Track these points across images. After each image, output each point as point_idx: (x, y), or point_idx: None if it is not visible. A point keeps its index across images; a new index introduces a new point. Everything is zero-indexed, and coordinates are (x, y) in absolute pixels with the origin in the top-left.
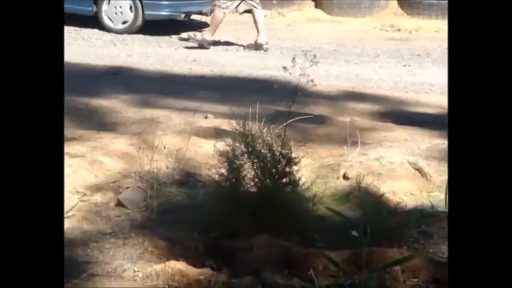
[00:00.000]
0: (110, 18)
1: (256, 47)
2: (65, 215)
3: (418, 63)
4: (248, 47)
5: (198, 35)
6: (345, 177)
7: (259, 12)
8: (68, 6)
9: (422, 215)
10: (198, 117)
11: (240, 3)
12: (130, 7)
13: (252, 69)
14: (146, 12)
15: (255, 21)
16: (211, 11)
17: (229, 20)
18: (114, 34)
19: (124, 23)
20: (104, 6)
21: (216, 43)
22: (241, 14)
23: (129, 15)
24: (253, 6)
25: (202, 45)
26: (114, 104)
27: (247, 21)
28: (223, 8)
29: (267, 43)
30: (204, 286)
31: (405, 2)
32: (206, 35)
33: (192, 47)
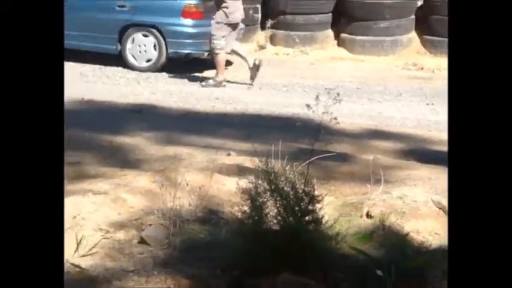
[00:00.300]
0: (134, 57)
1: (255, 70)
2: (88, 252)
3: (441, 102)
4: (251, 78)
5: (211, 81)
6: (368, 215)
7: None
8: (92, 45)
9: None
10: (221, 154)
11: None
12: (154, 45)
13: (274, 106)
14: (170, 50)
15: (241, 55)
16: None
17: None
18: (138, 72)
19: (148, 61)
20: (128, 45)
21: (238, 81)
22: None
23: (153, 54)
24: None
25: (217, 86)
26: (138, 142)
27: (269, 59)
28: (219, 49)
29: (258, 60)
30: None
31: (428, 40)
32: (217, 77)
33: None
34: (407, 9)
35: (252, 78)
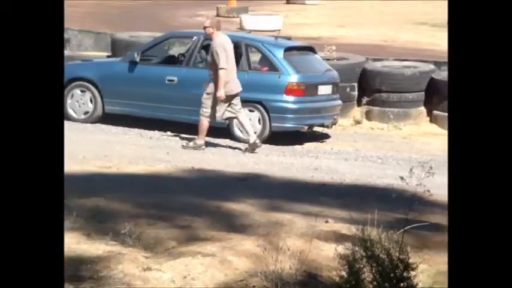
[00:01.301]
0: (240, 130)
1: (252, 148)
2: None
3: None
4: (246, 150)
5: (191, 143)
6: None
7: (243, 116)
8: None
9: None
10: (320, 221)
11: (224, 111)
12: (259, 120)
13: (370, 177)
14: (273, 124)
15: (242, 124)
16: (333, 123)
17: (348, 132)
18: (243, 144)
19: (254, 132)
20: (235, 120)
21: (335, 153)
22: (225, 120)
23: (258, 127)
24: (237, 111)
25: (196, 149)
26: (243, 208)
27: (365, 133)
28: (206, 117)
29: (259, 141)
30: None
31: None
32: (197, 141)
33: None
34: None
35: (246, 151)
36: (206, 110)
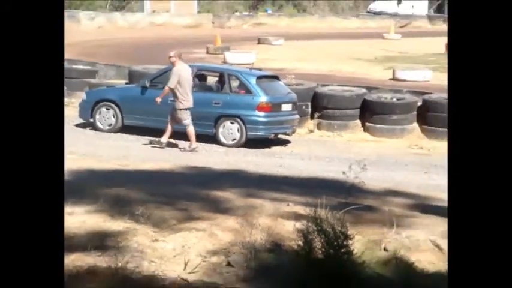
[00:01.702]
0: (224, 137)
1: (191, 150)
2: (193, 271)
3: (436, 171)
4: (185, 149)
5: (187, 146)
6: (385, 249)
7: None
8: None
9: (441, 278)
10: (283, 205)
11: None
12: (238, 129)
13: (320, 172)
14: (248, 133)
15: (169, 129)
16: (293, 132)
17: (304, 138)
18: (226, 148)
19: (233, 140)
20: (220, 129)
21: (294, 154)
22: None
23: (237, 135)
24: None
25: (161, 147)
26: (227, 195)
27: (316, 140)
28: (188, 125)
29: (197, 147)
30: None
31: (425, 129)
32: (192, 145)
33: (183, 151)
34: (411, 107)
35: (157, 143)
36: (187, 122)
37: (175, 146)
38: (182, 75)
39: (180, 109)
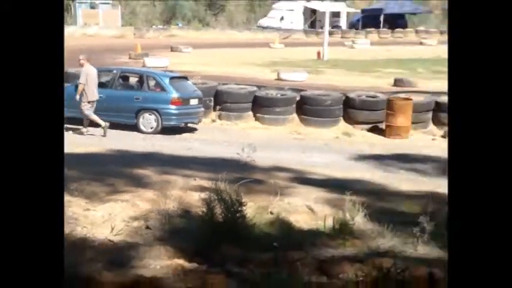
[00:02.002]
0: (143, 126)
1: (104, 131)
2: (118, 233)
3: (310, 152)
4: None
5: (99, 129)
6: (271, 213)
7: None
8: (116, 119)
9: (313, 233)
10: (191, 180)
11: (89, 110)
12: (155, 120)
13: (221, 154)
14: (164, 122)
15: (93, 119)
16: (199, 121)
17: (208, 127)
18: (145, 134)
19: (151, 128)
20: (140, 119)
21: (201, 139)
22: (87, 115)
23: (154, 124)
24: (91, 110)
25: (81, 134)
26: (146, 173)
27: (218, 128)
28: (89, 114)
29: (106, 126)
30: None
31: (302, 118)
32: (84, 130)
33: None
34: (291, 101)
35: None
36: (88, 112)
37: (102, 134)
38: (89, 73)
39: (86, 102)
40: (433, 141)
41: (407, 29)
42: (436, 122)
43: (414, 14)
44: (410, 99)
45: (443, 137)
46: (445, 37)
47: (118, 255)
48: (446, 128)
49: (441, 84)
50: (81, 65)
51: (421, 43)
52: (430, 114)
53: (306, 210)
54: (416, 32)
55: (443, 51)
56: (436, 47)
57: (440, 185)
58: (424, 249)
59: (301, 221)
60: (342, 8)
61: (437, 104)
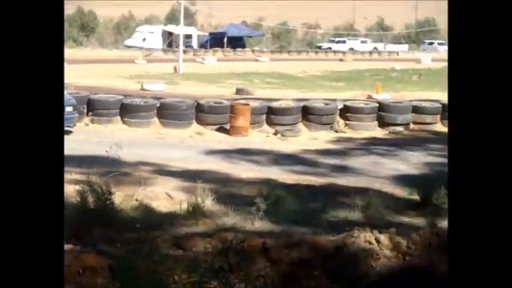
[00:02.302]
0: None
1: None
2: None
3: (169, 149)
4: None
5: None
6: (136, 200)
7: None
8: None
9: (172, 216)
10: (67, 175)
11: None
12: None
13: (93, 152)
14: None
15: None
16: (74, 125)
17: (82, 130)
18: None
19: None
20: None
21: (79, 140)
22: None
23: None
24: None
25: None
26: None
27: (90, 131)
28: None
29: None
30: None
31: (162, 122)
32: None
33: None
34: (152, 107)
35: None
36: None
37: None
38: None
39: None
40: (267, 138)
41: (245, 49)
42: (269, 122)
43: (250, 36)
44: (248, 105)
45: (274, 134)
46: (275, 55)
47: None
48: (277, 127)
49: (273, 92)
50: None
51: (256, 60)
52: (264, 117)
53: (165, 196)
54: (253, 51)
55: (274, 66)
56: (268, 63)
57: (272, 173)
58: (259, 224)
59: (161, 205)
60: (193, 32)
61: (269, 108)
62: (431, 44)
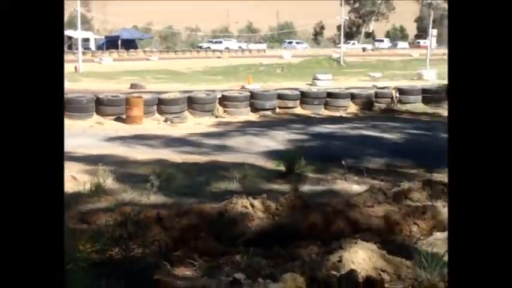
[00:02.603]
0: None
1: None
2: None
3: (73, 137)
4: None
5: None
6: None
7: None
8: None
9: (76, 196)
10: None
11: None
12: None
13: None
14: None
15: None
16: None
17: None
18: None
19: None
20: None
21: None
22: None
23: None
24: None
25: None
26: None
27: None
28: None
29: None
30: None
31: (67, 114)
32: None
33: None
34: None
35: None
36: None
37: None
38: None
39: None
40: (159, 125)
41: (137, 50)
42: (160, 111)
43: (141, 39)
44: (142, 97)
45: (164, 121)
46: (163, 55)
47: None
48: (167, 116)
49: (162, 86)
50: None
51: (147, 59)
52: (155, 107)
53: (71, 179)
54: (144, 51)
55: (162, 64)
56: (157, 61)
57: (164, 154)
58: (154, 198)
59: (67, 187)
60: (91, 35)
61: (159, 99)
62: (290, 43)
